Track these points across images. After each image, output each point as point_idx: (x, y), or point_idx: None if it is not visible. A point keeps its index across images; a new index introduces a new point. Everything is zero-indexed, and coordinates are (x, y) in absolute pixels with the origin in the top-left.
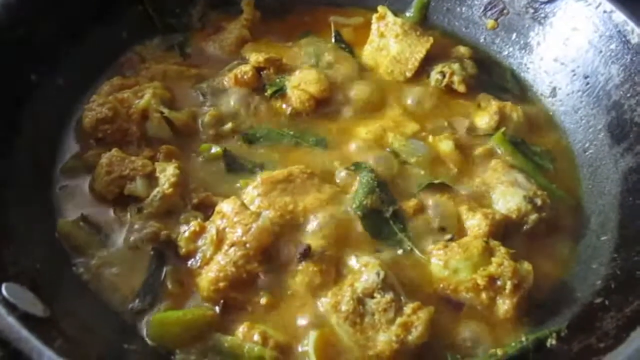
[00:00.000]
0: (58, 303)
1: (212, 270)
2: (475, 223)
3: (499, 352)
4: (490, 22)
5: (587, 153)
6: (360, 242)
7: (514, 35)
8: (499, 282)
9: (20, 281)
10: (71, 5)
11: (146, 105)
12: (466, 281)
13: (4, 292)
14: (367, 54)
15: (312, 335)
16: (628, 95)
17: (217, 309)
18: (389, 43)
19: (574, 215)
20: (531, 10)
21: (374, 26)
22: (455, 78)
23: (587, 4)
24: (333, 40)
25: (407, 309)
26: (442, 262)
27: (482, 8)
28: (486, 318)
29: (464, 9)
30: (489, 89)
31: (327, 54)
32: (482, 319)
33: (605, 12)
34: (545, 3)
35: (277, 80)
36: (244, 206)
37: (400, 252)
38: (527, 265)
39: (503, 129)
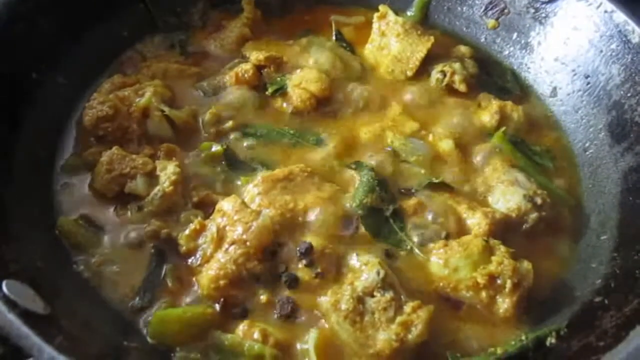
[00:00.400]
0: (58, 300)
1: (212, 268)
2: (475, 222)
3: (499, 350)
4: (491, 22)
5: (587, 152)
6: (360, 240)
7: (514, 35)
8: (498, 281)
9: (21, 278)
10: (72, 3)
11: (147, 103)
12: (466, 280)
13: (4, 289)
14: (368, 53)
15: (312, 333)
16: (628, 95)
17: (217, 306)
18: (390, 42)
19: (573, 215)
20: (532, 10)
21: (375, 25)
22: (456, 77)
23: (588, 4)
24: (334, 39)
25: (407, 307)
26: (442, 260)
27: (483, 7)
28: (486, 317)
29: (464, 8)
30: (489, 89)
31: (328, 53)
32: (482, 317)
33: (606, 12)
34: (546, 3)
35: (278, 79)
36: (244, 204)
37: (400, 251)
38: (526, 264)
39: (503, 129)
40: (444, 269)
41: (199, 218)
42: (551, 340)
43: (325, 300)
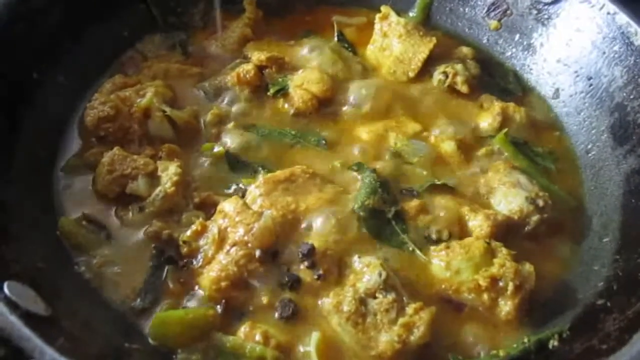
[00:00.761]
0: (60, 301)
1: (213, 269)
2: (477, 224)
3: (501, 353)
4: (493, 23)
5: (589, 154)
6: (362, 242)
7: (517, 36)
8: (500, 283)
9: (22, 279)
10: (72, 3)
11: (148, 103)
12: (468, 282)
13: (6, 290)
14: (370, 53)
15: (314, 335)
16: (631, 97)
17: (218, 308)
18: (392, 43)
19: (575, 217)
20: (534, 12)
21: (377, 26)
22: (458, 78)
23: (591, 6)
24: (336, 39)
25: (409, 309)
26: (443, 263)
27: (485, 9)
28: (488, 319)
29: (467, 9)
30: (491, 90)
31: (330, 54)
32: (483, 320)
33: (608, 13)
34: (549, 4)
35: (280, 79)
36: (245, 206)
37: (402, 252)
38: (528, 267)
39: (505, 130)
40: (445, 271)
41: (201, 219)
42: (554, 343)
43: (327, 301)
